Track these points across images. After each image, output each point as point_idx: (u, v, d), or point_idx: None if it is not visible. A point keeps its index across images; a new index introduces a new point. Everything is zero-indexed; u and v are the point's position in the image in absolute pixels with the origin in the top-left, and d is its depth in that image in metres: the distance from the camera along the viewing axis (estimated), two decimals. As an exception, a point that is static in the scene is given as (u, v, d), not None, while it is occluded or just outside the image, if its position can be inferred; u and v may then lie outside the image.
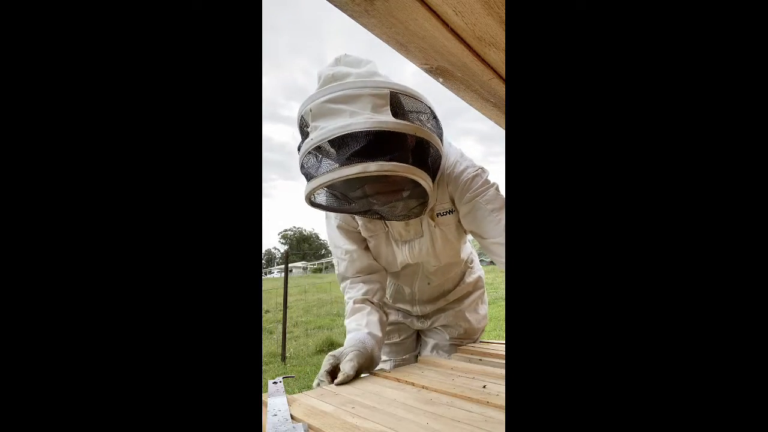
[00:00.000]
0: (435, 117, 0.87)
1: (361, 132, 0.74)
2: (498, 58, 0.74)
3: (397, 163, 0.77)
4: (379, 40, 0.65)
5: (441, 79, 0.80)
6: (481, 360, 0.99)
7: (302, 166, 0.84)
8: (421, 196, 0.88)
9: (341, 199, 0.88)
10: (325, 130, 0.76)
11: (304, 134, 0.83)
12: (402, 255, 1.08)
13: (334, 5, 0.56)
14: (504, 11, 0.61)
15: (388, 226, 1.06)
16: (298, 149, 0.84)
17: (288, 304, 4.68)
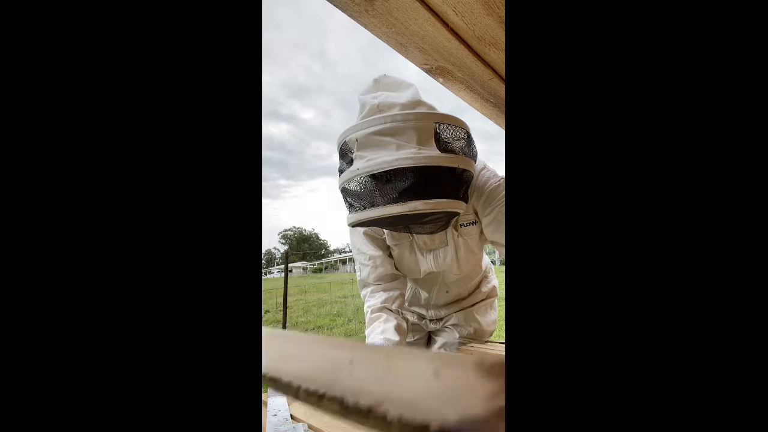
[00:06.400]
0: (471, 139, 0.89)
1: (408, 168, 0.76)
2: (498, 58, 0.74)
3: (441, 200, 0.80)
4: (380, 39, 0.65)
5: (441, 79, 0.80)
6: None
7: (344, 190, 0.87)
8: (452, 217, 0.90)
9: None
10: (372, 162, 0.78)
11: (347, 159, 0.85)
12: (426, 263, 1.10)
13: (334, 5, 0.56)
14: (504, 11, 0.61)
15: (413, 235, 1.07)
16: (340, 172, 0.87)
17: (288, 304, 4.68)
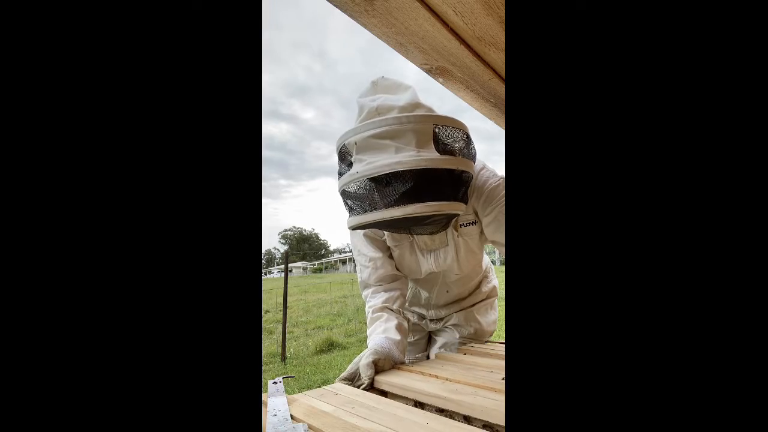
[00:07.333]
0: (470, 140, 0.89)
1: (408, 171, 0.77)
2: (498, 58, 0.74)
3: (441, 203, 0.80)
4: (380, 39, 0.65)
5: (441, 79, 0.80)
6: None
7: (344, 192, 0.87)
8: (452, 218, 0.91)
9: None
10: (371, 165, 0.78)
11: (346, 162, 0.85)
12: (427, 264, 1.10)
13: (334, 5, 0.56)
14: (504, 11, 0.61)
15: (413, 236, 1.08)
16: (339, 174, 0.87)
17: (288, 304, 4.68)
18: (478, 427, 0.56)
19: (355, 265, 1.19)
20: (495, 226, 1.01)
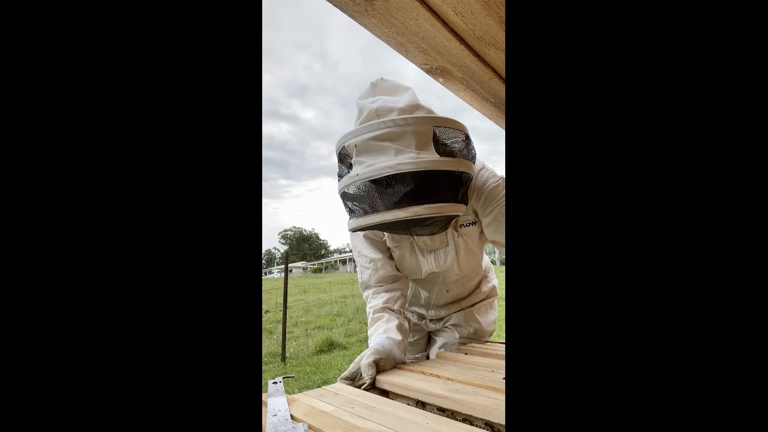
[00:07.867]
0: (470, 141, 0.89)
1: (408, 173, 0.77)
2: (498, 58, 0.74)
3: (442, 204, 0.80)
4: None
5: (441, 79, 0.80)
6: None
7: (344, 194, 0.87)
8: (452, 218, 0.91)
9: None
10: (371, 168, 0.78)
11: (346, 164, 0.86)
12: (427, 264, 1.11)
13: (334, 5, 0.56)
14: (504, 11, 0.61)
15: (413, 237, 1.08)
16: (339, 176, 0.88)
17: (288, 304, 4.68)
18: (479, 427, 0.56)
19: (356, 266, 1.19)
20: (495, 226, 1.01)
